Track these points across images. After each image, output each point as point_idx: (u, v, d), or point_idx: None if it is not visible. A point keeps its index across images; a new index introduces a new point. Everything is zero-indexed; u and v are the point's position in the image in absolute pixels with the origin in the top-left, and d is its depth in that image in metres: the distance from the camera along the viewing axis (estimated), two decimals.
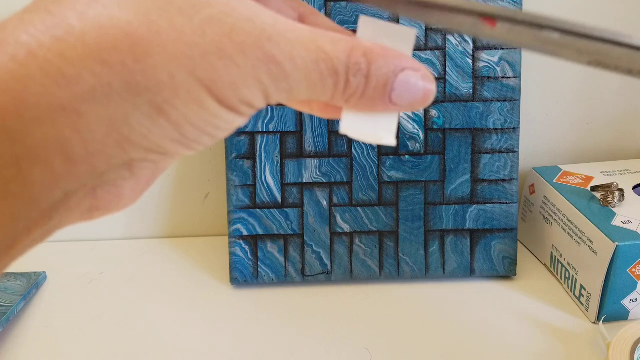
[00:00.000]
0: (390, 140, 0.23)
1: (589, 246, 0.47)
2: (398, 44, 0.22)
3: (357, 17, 0.49)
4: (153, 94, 0.19)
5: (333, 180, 0.51)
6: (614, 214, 0.48)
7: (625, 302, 0.47)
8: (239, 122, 0.21)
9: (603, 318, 0.46)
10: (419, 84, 0.22)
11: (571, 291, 0.50)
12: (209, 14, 0.20)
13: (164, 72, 0.19)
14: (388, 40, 0.22)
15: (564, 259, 0.51)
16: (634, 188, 0.52)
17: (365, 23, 0.23)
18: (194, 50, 0.19)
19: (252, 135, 0.50)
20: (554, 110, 0.59)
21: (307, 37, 0.21)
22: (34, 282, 0.51)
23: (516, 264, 0.52)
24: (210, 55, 0.19)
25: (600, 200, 0.50)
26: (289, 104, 0.26)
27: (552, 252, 0.53)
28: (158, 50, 0.19)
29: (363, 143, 0.50)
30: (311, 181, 0.51)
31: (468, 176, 0.51)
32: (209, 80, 0.20)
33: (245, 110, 0.21)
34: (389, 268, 0.52)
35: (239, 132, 0.50)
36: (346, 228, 0.51)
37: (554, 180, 0.54)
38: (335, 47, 0.21)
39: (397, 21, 0.48)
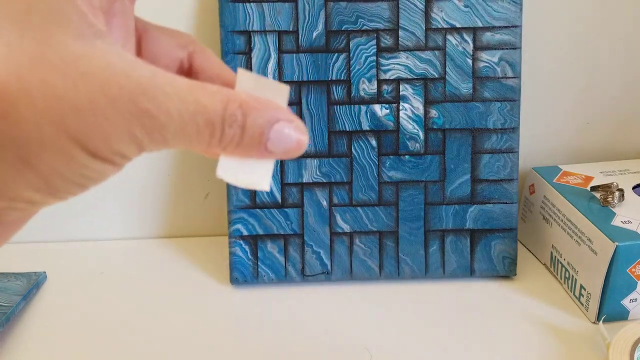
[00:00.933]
0: (265, 186, 0.24)
1: (588, 246, 0.47)
2: (273, 97, 0.23)
3: (357, 17, 0.49)
4: (19, 147, 0.19)
5: (333, 180, 0.51)
6: (614, 214, 0.48)
7: (625, 302, 0.47)
8: (113, 171, 0.21)
9: (603, 318, 0.46)
10: (292, 134, 0.23)
11: (571, 291, 0.50)
12: (85, 69, 0.20)
13: (32, 126, 0.19)
14: (264, 93, 0.23)
15: (564, 259, 0.51)
16: (633, 188, 0.52)
17: (243, 75, 0.24)
18: (64, 104, 0.19)
19: None
20: (554, 110, 0.59)
21: (184, 90, 0.21)
22: (34, 282, 0.51)
23: (516, 264, 0.52)
24: (80, 109, 0.19)
25: (600, 200, 0.50)
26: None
27: (552, 252, 0.53)
28: (27, 105, 0.19)
29: (363, 143, 0.50)
30: (311, 181, 0.51)
31: (468, 176, 0.51)
32: (79, 134, 0.20)
33: (119, 160, 0.21)
34: (389, 268, 0.52)
35: None
36: (346, 228, 0.52)
37: (553, 180, 0.54)
38: (212, 99, 0.21)
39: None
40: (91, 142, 0.20)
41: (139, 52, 0.26)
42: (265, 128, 0.22)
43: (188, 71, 0.26)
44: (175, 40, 0.26)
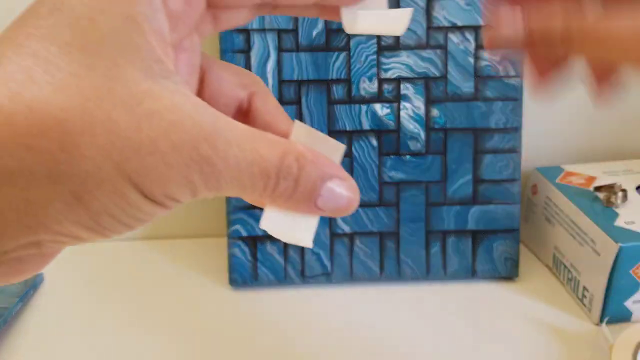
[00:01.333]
0: (308, 243, 0.24)
1: (591, 247, 0.47)
2: (327, 152, 0.23)
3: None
4: (75, 184, 0.19)
5: None
6: (617, 214, 0.48)
7: (628, 303, 0.46)
8: (162, 213, 0.21)
9: (606, 320, 0.46)
10: (344, 193, 0.23)
11: (574, 292, 0.50)
12: (150, 108, 0.19)
13: (91, 163, 0.19)
14: (319, 147, 0.23)
15: (567, 260, 0.51)
16: (637, 188, 0.51)
17: (299, 127, 0.23)
18: (126, 143, 0.19)
19: None
20: (557, 109, 0.59)
21: (244, 137, 0.21)
22: (31, 284, 0.50)
23: (518, 265, 0.52)
24: (141, 150, 0.19)
25: (603, 200, 0.49)
26: None
27: (554, 253, 0.53)
28: (88, 140, 0.19)
29: (364, 143, 0.50)
30: None
31: (470, 176, 0.51)
32: (136, 175, 0.19)
33: (170, 204, 0.21)
34: (390, 269, 0.52)
35: None
36: (346, 229, 0.51)
37: (556, 181, 0.53)
38: (270, 149, 0.21)
39: None
40: (147, 185, 0.19)
41: (201, 88, 0.26)
42: (318, 184, 0.22)
43: (246, 111, 0.26)
44: (239, 79, 0.26)
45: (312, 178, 0.22)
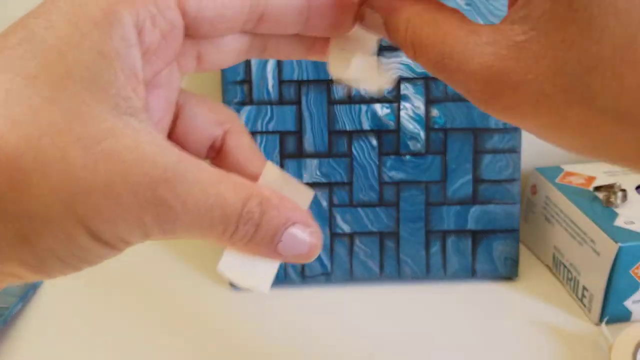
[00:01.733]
0: (265, 290, 0.23)
1: (591, 247, 0.47)
2: (296, 197, 0.23)
3: None
4: (21, 224, 0.18)
5: (333, 181, 0.51)
6: (617, 214, 0.48)
7: (628, 303, 0.46)
8: (111, 255, 0.21)
9: (605, 319, 0.46)
10: (306, 240, 0.22)
11: (573, 292, 0.50)
12: (110, 147, 0.18)
13: (40, 203, 0.18)
14: (287, 191, 0.23)
15: (566, 260, 0.51)
16: (636, 188, 0.51)
17: (270, 170, 0.23)
18: (79, 185, 0.18)
19: (251, 134, 0.50)
20: None
21: (208, 180, 0.20)
22: (31, 284, 0.50)
23: (518, 265, 0.52)
24: (95, 192, 0.18)
25: (602, 200, 0.49)
26: None
27: (554, 253, 0.53)
28: (39, 180, 0.18)
29: (364, 143, 0.50)
30: (311, 181, 0.50)
31: (469, 176, 0.51)
32: (87, 217, 0.19)
33: (121, 246, 0.20)
34: (390, 269, 0.52)
35: None
36: (346, 229, 0.51)
37: (556, 181, 0.53)
38: (234, 193, 0.21)
39: None
40: (97, 226, 0.19)
41: (175, 124, 0.25)
42: (279, 229, 0.22)
43: (219, 149, 0.26)
44: (215, 116, 0.26)
45: (274, 223, 0.22)
